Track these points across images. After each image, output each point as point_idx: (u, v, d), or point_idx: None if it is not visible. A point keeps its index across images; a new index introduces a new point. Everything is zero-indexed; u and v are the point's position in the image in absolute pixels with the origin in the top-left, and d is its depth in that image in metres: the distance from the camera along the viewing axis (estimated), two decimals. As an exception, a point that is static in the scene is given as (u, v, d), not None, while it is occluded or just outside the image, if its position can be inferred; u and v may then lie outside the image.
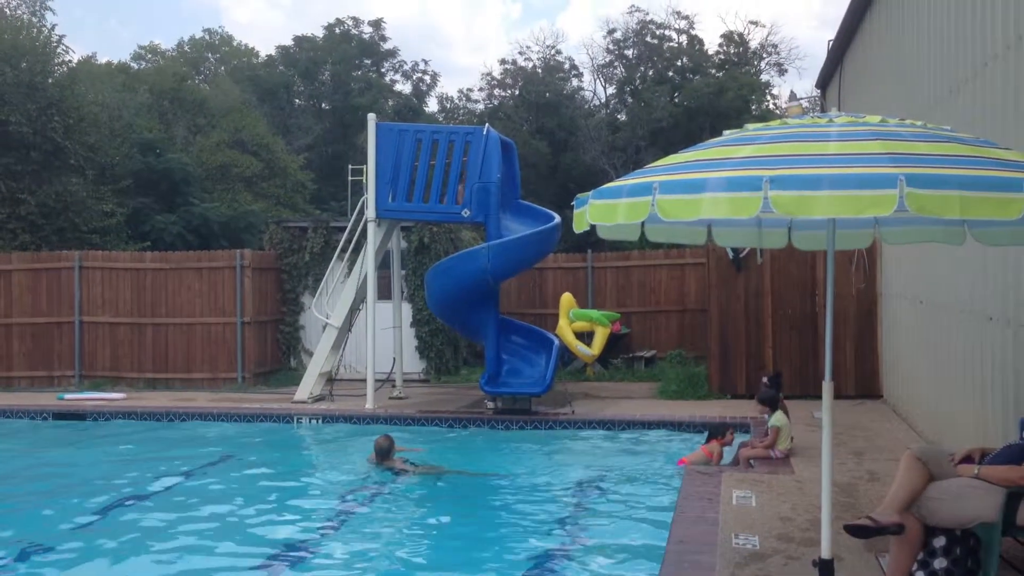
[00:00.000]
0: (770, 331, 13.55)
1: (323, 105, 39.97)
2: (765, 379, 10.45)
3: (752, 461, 9.03)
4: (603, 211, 4.74)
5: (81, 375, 16.53)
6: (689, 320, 17.02)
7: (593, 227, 5.34)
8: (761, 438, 9.41)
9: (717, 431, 9.89)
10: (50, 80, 20.85)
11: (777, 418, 9.13)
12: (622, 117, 35.93)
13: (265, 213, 24.81)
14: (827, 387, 4.97)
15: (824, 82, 17.63)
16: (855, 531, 5.05)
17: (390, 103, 38.60)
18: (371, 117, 13.84)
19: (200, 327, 16.38)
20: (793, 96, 21.69)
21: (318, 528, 8.15)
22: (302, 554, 7.42)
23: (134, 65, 38.48)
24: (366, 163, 13.65)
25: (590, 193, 4.98)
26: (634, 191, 4.56)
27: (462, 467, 10.38)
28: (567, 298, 16.18)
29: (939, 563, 5.11)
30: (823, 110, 17.45)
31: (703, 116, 32.05)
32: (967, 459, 5.23)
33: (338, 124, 37.84)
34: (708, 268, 13.98)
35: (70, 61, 23.02)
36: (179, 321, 16.40)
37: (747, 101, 33.51)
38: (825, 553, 4.85)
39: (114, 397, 14.79)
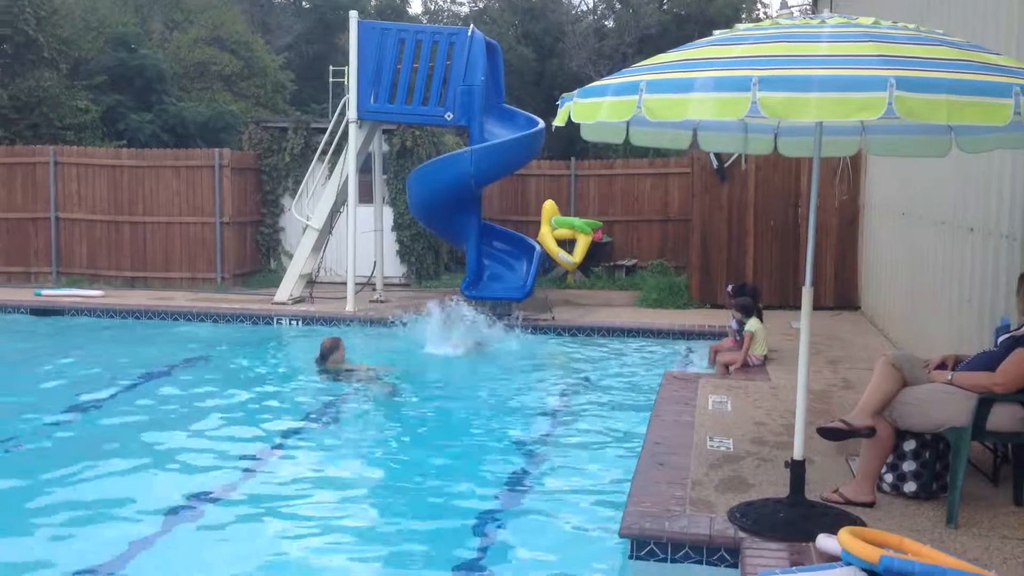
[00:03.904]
0: (752, 241, 13.57)
1: (304, 3, 38.92)
2: (729, 288, 10.46)
3: (729, 367, 9.13)
4: (587, 109, 4.66)
5: (58, 272, 16.41)
6: (672, 230, 17.00)
7: (575, 128, 5.27)
8: (731, 343, 9.52)
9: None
10: (21, -31, 20.15)
11: (752, 324, 9.21)
12: (609, 23, 35.26)
13: (245, 114, 24.34)
14: (807, 292, 4.98)
15: (816, -10, 17.29)
16: (827, 434, 5.14)
17: (372, 3, 37.64)
18: (353, 15, 13.49)
19: (178, 226, 16.23)
20: (784, 4, 21.31)
21: (288, 429, 8.20)
22: (271, 454, 7.50)
23: (108, -44, 37.18)
24: (348, 64, 13.37)
25: (576, 92, 4.89)
26: (620, 90, 4.48)
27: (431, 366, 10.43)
28: (549, 205, 16.12)
29: (908, 466, 5.23)
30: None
31: (692, 24, 31.49)
32: (941, 366, 5.30)
33: (319, 23, 36.89)
34: (692, 177, 13.91)
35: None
36: (157, 220, 16.23)
37: (737, 9, 32.94)
38: (797, 454, 4.93)
39: (92, 294, 14.71)
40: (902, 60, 4.06)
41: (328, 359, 10.10)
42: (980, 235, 7.15)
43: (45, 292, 14.78)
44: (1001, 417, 4.85)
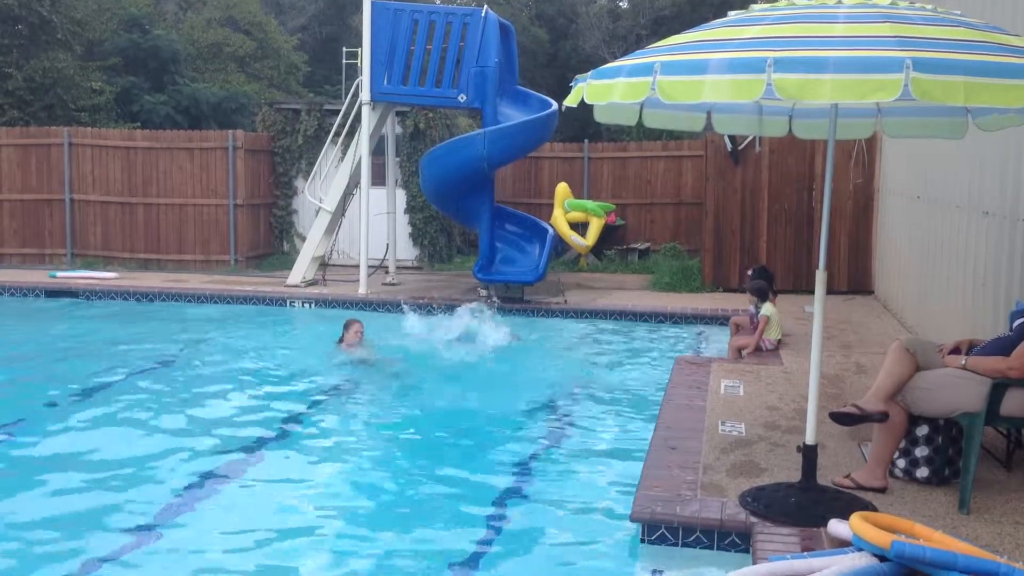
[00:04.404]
0: (765, 225, 13.50)
1: (317, -16, 38.82)
2: (750, 271, 10.43)
3: (742, 351, 9.10)
4: (600, 90, 4.62)
5: (73, 254, 16.48)
6: (685, 213, 16.93)
7: (588, 110, 5.24)
8: (751, 327, 9.47)
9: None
10: (35, -50, 20.17)
11: (767, 308, 9.17)
12: (624, 4, 35.08)
13: (258, 95, 24.34)
14: (820, 276, 4.95)
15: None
16: (840, 418, 5.11)
17: (386, -16, 37.53)
18: (366, -5, 13.44)
19: (192, 208, 16.26)
20: (800, -14, 21.10)
21: (298, 412, 8.22)
22: (283, 435, 7.53)
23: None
24: (361, 45, 13.32)
25: (589, 73, 4.85)
26: (634, 71, 4.44)
27: (447, 352, 10.44)
28: (562, 188, 16.07)
29: (920, 451, 5.20)
30: None
31: (707, 5, 31.22)
32: (955, 350, 5.26)
33: (333, 4, 36.81)
34: (705, 160, 13.84)
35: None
36: (171, 202, 16.27)
37: (753, -9, 32.65)
38: (809, 439, 4.91)
39: (106, 276, 14.77)
40: (919, 41, 4.01)
41: (342, 339, 10.08)
42: (996, 219, 7.09)
43: (60, 274, 14.85)
44: (1015, 402, 4.82)
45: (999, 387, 4.79)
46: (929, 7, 4.59)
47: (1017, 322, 5.12)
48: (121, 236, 16.41)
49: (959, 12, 4.68)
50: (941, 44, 4.01)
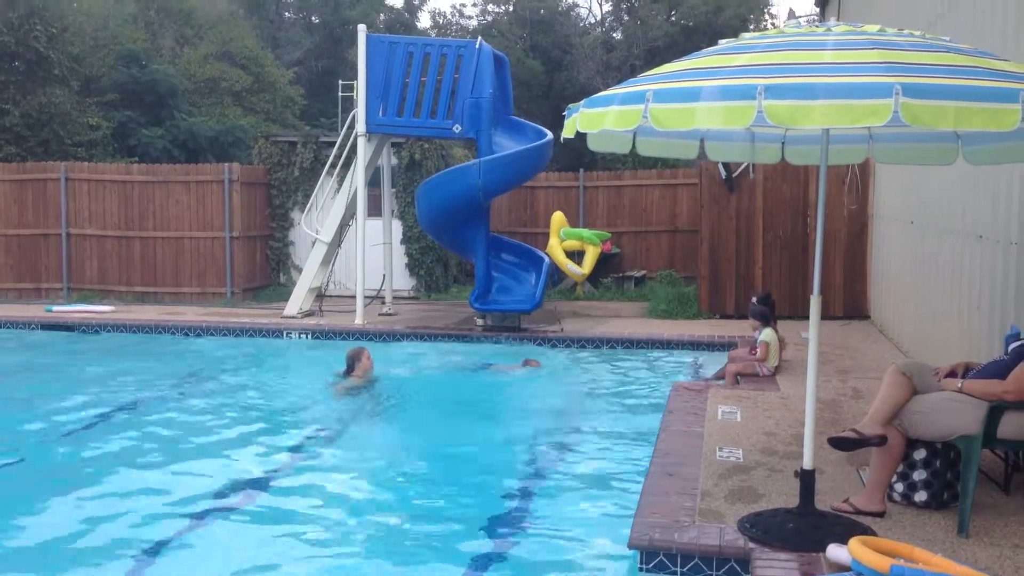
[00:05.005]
0: (760, 252, 13.55)
1: (313, 18, 39.12)
2: (755, 299, 10.47)
3: (739, 378, 9.10)
4: (593, 119, 4.66)
5: (69, 288, 16.48)
6: (680, 241, 17.00)
7: (583, 139, 5.27)
8: (750, 352, 9.47)
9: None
10: (32, -13, 20.34)
11: (767, 334, 9.19)
12: (617, 36, 35.34)
13: (254, 128, 24.46)
14: (815, 301, 4.97)
15: (823, 0, 17.31)
16: (839, 443, 5.11)
17: (381, 17, 37.83)
18: (361, 28, 13.54)
19: (188, 241, 16.30)
20: (792, 15, 21.33)
21: (301, 443, 8.21)
22: (279, 467, 7.50)
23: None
24: (356, 78, 13.42)
25: (582, 102, 4.89)
26: (627, 99, 4.47)
27: (447, 380, 10.44)
28: (558, 217, 16.13)
29: (919, 475, 5.20)
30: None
31: (700, 35, 31.51)
32: (951, 374, 5.27)
33: (328, 38, 37.09)
34: (700, 188, 13.90)
35: (52, -32, 22.38)
36: (167, 235, 16.30)
37: (745, 20, 32.98)
38: (807, 464, 4.91)
39: (102, 310, 14.77)
40: (907, 67, 4.05)
41: (354, 369, 10.03)
42: (989, 243, 7.12)
43: (56, 308, 14.84)
44: (1012, 425, 4.82)
45: (996, 410, 4.80)
46: (917, 33, 4.65)
47: (1012, 345, 5.13)
48: (117, 269, 16.43)
49: (948, 38, 4.73)
50: (930, 70, 4.05)
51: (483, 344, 12.45)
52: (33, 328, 13.76)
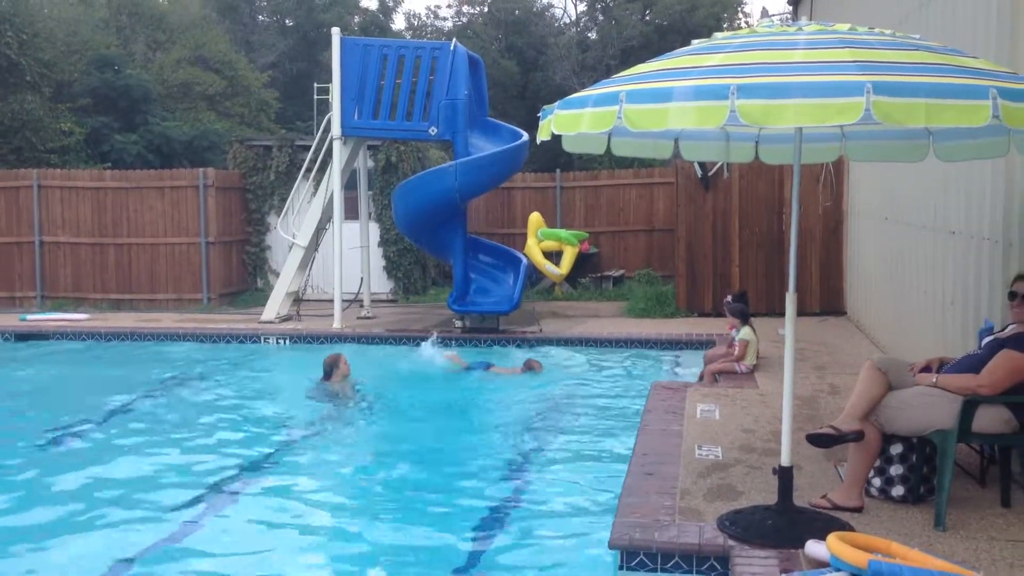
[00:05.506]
0: (737, 250, 13.62)
1: (287, 21, 38.92)
2: (729, 297, 10.50)
3: (717, 376, 9.13)
4: (567, 121, 4.66)
5: (43, 296, 16.31)
6: (657, 240, 17.05)
7: (559, 140, 5.28)
8: (728, 349, 9.51)
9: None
10: (1, -7, 20.13)
11: (746, 332, 9.23)
12: (592, 35, 35.39)
13: (229, 132, 24.30)
14: (790, 299, 5.00)
15: (796, -1, 17.41)
16: (817, 440, 5.13)
17: (356, 19, 37.70)
18: (335, 31, 13.51)
19: (164, 247, 16.18)
20: (765, 13, 21.45)
21: (277, 449, 8.17)
22: (258, 473, 7.47)
23: (90, -21, 37.11)
24: (331, 80, 13.38)
25: (556, 104, 4.90)
26: (600, 101, 4.48)
27: (428, 383, 10.41)
28: (535, 217, 16.14)
29: (895, 469, 5.23)
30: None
31: (674, 34, 31.61)
32: (926, 369, 5.31)
33: (303, 41, 36.92)
34: (676, 187, 13.96)
35: (22, -27, 22.15)
36: (142, 241, 16.17)
37: (719, 19, 33.12)
38: (785, 460, 4.93)
39: (77, 318, 14.63)
40: (879, 65, 4.08)
41: (332, 376, 9.99)
42: (962, 238, 7.19)
43: (30, 317, 14.69)
44: (986, 419, 4.87)
45: (970, 404, 4.84)
46: (888, 32, 4.68)
47: (986, 340, 5.18)
48: (92, 277, 16.28)
49: (918, 36, 4.77)
50: (900, 67, 4.09)
51: (462, 346, 12.41)
52: (7, 338, 13.60)
